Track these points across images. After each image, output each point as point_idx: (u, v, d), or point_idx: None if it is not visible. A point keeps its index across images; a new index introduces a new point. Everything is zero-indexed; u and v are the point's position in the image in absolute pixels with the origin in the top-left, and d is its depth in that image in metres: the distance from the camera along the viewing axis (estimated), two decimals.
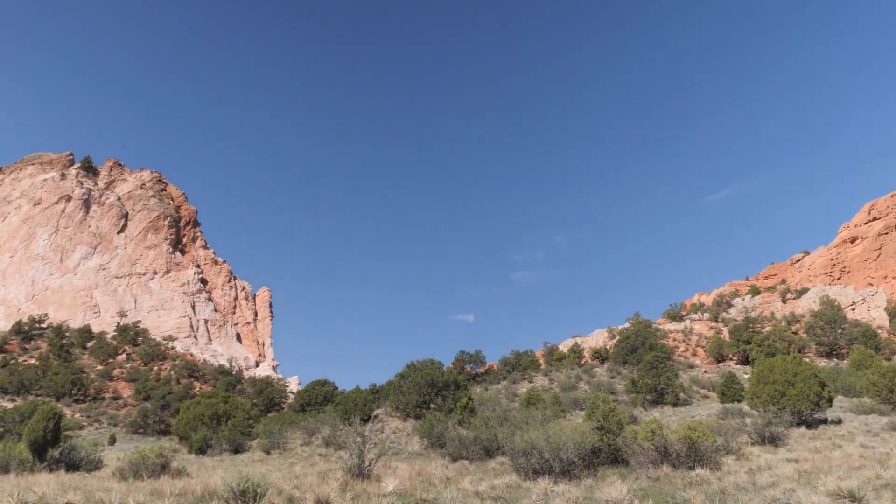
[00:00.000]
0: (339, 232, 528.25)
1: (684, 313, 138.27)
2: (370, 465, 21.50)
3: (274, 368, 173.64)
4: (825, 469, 20.46)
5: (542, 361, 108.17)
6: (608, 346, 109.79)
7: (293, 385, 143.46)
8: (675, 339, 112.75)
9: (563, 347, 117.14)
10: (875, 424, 32.93)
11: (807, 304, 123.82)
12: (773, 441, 27.93)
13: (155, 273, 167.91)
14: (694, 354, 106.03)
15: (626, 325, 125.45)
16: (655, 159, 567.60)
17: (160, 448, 27.39)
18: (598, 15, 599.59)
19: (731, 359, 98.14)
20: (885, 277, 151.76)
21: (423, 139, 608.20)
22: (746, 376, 72.33)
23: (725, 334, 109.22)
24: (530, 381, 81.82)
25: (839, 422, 35.30)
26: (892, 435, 29.10)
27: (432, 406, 49.59)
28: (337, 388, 78.87)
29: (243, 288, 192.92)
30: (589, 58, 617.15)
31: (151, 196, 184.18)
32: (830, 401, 35.50)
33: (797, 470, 20.51)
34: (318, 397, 74.94)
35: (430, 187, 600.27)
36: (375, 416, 52.95)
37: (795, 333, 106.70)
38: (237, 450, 44.56)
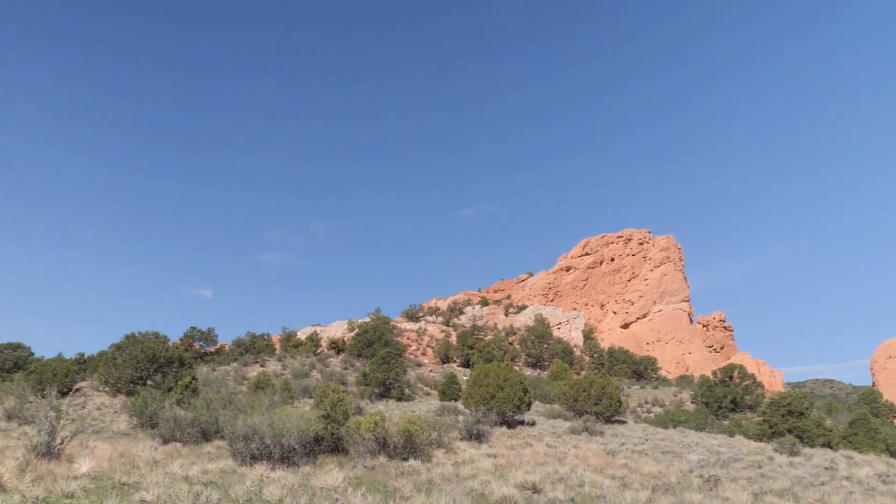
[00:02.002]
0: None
1: (421, 314, 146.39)
2: (62, 443, 18.96)
3: None
4: (517, 464, 23.18)
5: (277, 346, 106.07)
6: (346, 338, 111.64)
7: None
8: (409, 338, 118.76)
9: (302, 335, 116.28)
10: (560, 428, 38.26)
11: (524, 320, 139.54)
12: (479, 438, 30.88)
13: None
14: (424, 354, 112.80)
15: (367, 319, 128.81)
16: (416, 169, 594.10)
17: None
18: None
19: (455, 361, 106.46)
20: (587, 304, 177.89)
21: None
22: (465, 378, 79.04)
23: (454, 338, 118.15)
24: (262, 366, 79.71)
25: (533, 424, 40.34)
26: (572, 437, 34.10)
27: (149, 383, 45.61)
28: (33, 354, 68.44)
29: None
30: (347, 56, 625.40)
31: None
32: (529, 405, 40.46)
33: (495, 464, 22.90)
34: (7, 363, 64.27)
35: (187, 153, 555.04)
36: (78, 390, 47.05)
37: (511, 344, 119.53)
38: None
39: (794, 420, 44.81)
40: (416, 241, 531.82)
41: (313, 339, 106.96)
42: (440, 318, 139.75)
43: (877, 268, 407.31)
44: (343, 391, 27.99)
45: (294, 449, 21.40)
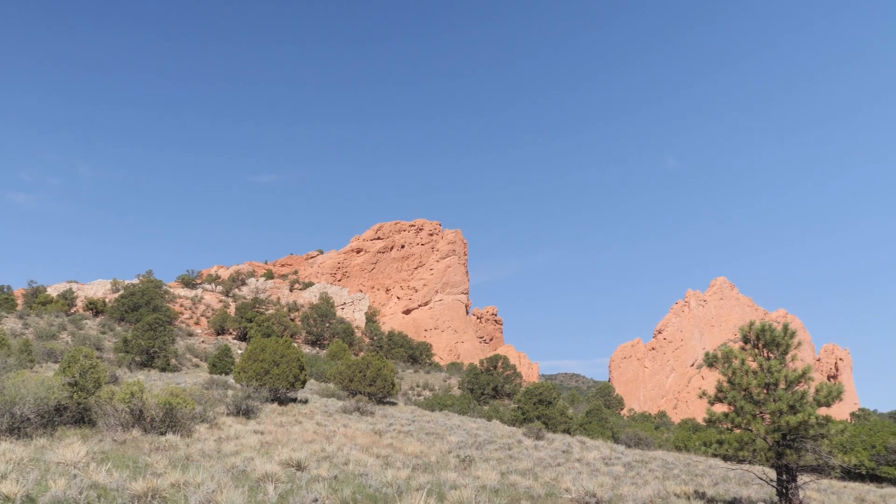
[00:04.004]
0: None
1: (199, 282, 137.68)
2: None
3: None
4: (284, 441, 22.85)
5: (19, 301, 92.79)
6: (108, 300, 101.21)
7: None
8: (182, 305, 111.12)
9: (53, 291, 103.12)
10: (332, 407, 38.50)
11: (309, 297, 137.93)
12: (247, 414, 29.89)
13: None
14: (197, 323, 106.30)
15: (135, 281, 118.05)
16: (211, 126, 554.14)
17: None
18: None
19: (231, 333, 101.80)
20: (374, 287, 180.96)
21: None
22: (240, 351, 75.98)
23: (232, 309, 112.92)
24: None
25: (306, 402, 40.07)
26: (343, 416, 34.50)
27: None
28: None
29: None
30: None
31: None
32: (304, 383, 40.09)
33: (261, 441, 22.34)
34: None
35: None
36: None
37: (293, 320, 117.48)
38: None
39: (543, 408, 49.98)
40: (202, 202, 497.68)
41: (67, 298, 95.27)
42: (220, 288, 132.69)
43: (622, 281, 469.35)
44: (98, 357, 25.28)
45: (28, 419, 18.88)
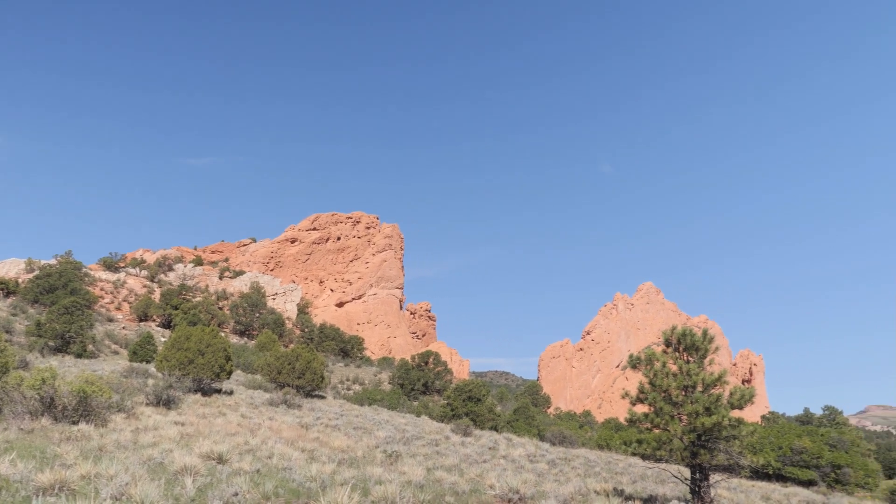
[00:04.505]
0: None
1: (123, 265, 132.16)
2: None
3: None
4: (206, 433, 22.17)
5: None
6: (21, 280, 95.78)
7: None
8: (103, 289, 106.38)
9: None
10: (259, 399, 37.65)
11: (240, 286, 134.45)
12: (168, 404, 28.85)
13: None
14: (118, 308, 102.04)
15: (53, 261, 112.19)
16: (145, 102, 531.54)
17: None
18: None
19: (154, 320, 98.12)
20: (307, 279, 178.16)
21: None
22: (164, 339, 73.35)
23: (157, 295, 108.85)
24: None
25: (231, 393, 39.04)
26: (269, 409, 33.79)
27: None
28: None
29: None
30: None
31: None
32: (230, 374, 39.05)
33: (182, 433, 21.60)
34: None
35: None
36: None
37: (221, 309, 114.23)
38: None
39: (471, 405, 50.45)
40: (130, 181, 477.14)
41: None
42: (145, 272, 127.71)
43: (555, 282, 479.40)
44: (7, 341, 23.87)
45: None
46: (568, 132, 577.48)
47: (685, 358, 19.41)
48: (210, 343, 36.98)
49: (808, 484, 43.24)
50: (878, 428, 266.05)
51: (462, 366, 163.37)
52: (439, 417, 50.51)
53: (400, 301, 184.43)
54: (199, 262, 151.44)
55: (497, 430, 47.31)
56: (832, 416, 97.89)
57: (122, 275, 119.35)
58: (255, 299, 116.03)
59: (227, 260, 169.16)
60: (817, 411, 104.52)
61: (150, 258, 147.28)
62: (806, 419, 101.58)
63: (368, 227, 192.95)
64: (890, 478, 67.52)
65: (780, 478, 44.72)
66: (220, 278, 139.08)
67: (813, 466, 45.02)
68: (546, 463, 27.83)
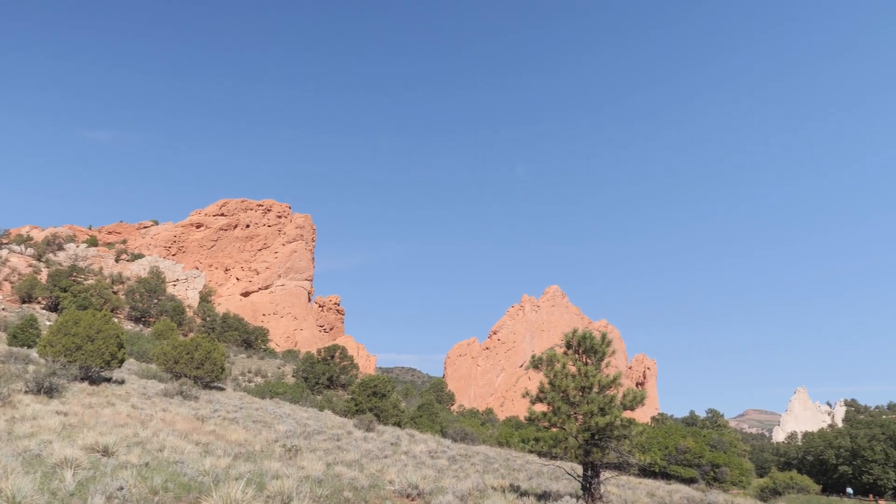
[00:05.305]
0: None
1: (6, 241, 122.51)
2: None
3: None
4: (92, 424, 20.93)
5: None
6: None
7: None
8: None
9: None
10: (152, 389, 35.92)
11: (138, 269, 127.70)
12: (51, 392, 27.01)
13: None
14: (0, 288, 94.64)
15: None
16: (45, 68, 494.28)
17: None
18: None
19: (40, 302, 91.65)
20: (211, 266, 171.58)
21: None
22: (49, 323, 68.66)
23: (44, 276, 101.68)
24: None
25: (122, 382, 37.03)
26: (163, 400, 32.32)
27: None
28: None
29: None
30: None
31: None
32: (122, 362, 37.01)
33: (64, 423, 20.31)
34: None
35: None
36: None
37: (116, 293, 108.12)
38: None
39: (376, 400, 50.28)
40: (20, 150, 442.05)
41: None
42: (31, 250, 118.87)
43: (464, 281, 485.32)
44: None
45: None
46: (485, 135, 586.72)
47: (584, 360, 20.19)
48: (101, 329, 34.90)
49: (690, 481, 46.10)
50: (754, 430, 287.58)
51: (369, 361, 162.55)
52: (343, 412, 50.03)
53: (309, 293, 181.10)
54: (93, 242, 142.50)
55: (400, 426, 47.41)
56: (714, 419, 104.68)
57: (4, 252, 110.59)
58: (153, 285, 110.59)
59: (125, 242, 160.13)
60: (702, 414, 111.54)
61: (39, 235, 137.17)
62: (691, 421, 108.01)
63: (280, 216, 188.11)
64: (761, 476, 72.97)
65: (665, 475, 47.43)
66: (117, 261, 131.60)
67: (695, 465, 48.03)
68: (447, 459, 28.18)
